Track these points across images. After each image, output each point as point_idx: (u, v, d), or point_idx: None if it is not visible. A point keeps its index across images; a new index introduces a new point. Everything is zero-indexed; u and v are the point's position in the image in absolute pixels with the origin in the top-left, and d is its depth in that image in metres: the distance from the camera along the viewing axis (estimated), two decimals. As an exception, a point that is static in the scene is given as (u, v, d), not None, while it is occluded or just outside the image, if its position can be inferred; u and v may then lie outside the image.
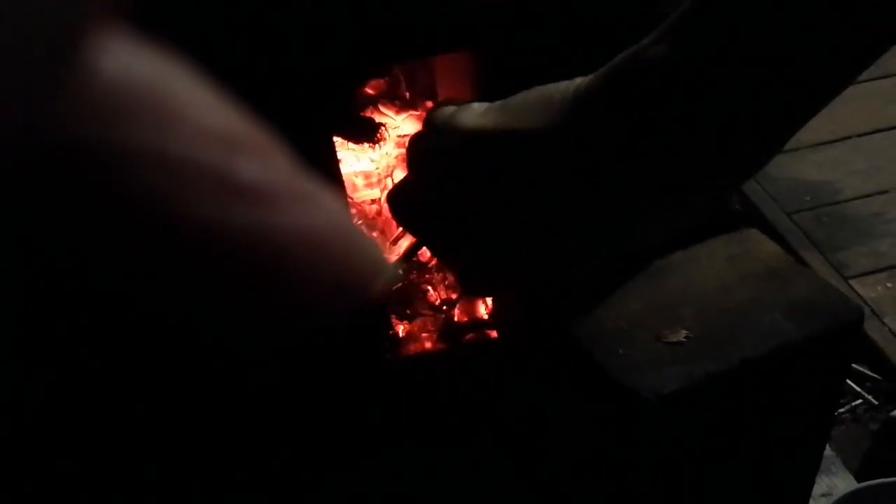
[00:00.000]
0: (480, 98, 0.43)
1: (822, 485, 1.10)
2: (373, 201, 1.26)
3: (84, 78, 0.12)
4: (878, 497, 0.92)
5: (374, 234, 1.23)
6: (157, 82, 0.13)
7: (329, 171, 0.87)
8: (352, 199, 1.26)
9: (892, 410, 1.23)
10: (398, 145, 1.30)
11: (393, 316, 1.14)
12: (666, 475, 0.69)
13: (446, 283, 1.17)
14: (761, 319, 0.65)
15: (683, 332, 0.65)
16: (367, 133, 1.31)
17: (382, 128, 1.32)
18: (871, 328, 1.39)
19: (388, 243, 1.08)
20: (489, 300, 1.09)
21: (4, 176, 0.12)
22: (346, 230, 0.16)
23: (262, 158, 0.14)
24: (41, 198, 0.13)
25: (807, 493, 0.82)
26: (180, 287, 0.14)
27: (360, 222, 1.21)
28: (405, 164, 0.52)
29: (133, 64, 0.13)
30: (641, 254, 0.72)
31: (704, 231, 0.76)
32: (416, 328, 1.15)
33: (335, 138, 1.31)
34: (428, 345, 1.12)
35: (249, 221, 0.14)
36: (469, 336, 1.14)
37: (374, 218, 1.24)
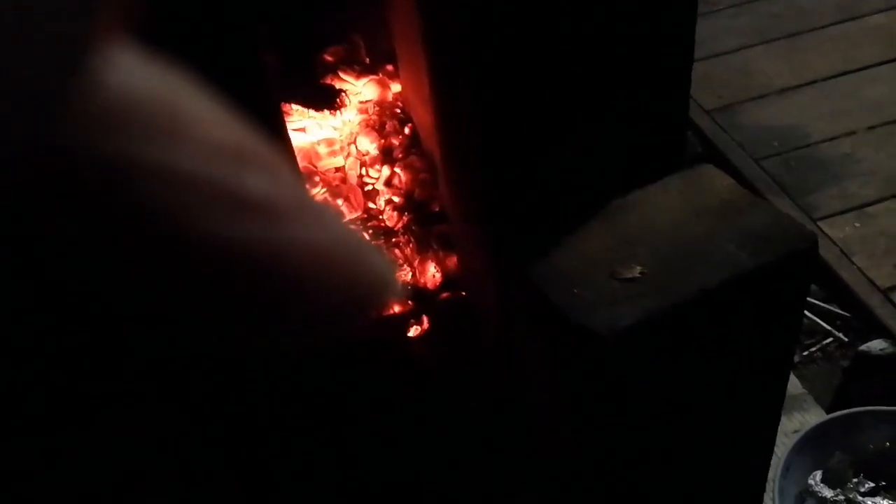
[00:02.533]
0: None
1: (794, 421, 1.11)
2: (337, 169, 1.24)
3: (90, 91, 0.12)
4: (846, 427, 0.93)
5: (339, 202, 1.22)
6: (163, 95, 0.13)
7: (276, 137, 0.86)
8: (315, 167, 1.24)
9: (862, 346, 1.24)
10: (360, 111, 1.29)
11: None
12: (631, 412, 0.69)
13: (411, 245, 1.17)
14: (716, 252, 0.65)
15: (638, 269, 0.65)
16: (328, 100, 1.29)
17: (343, 94, 1.31)
18: (840, 267, 1.40)
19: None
20: (455, 261, 1.09)
21: (11, 188, 0.12)
22: (352, 243, 0.16)
23: (268, 172, 0.14)
24: (47, 210, 0.13)
25: (773, 426, 0.83)
26: (187, 302, 0.14)
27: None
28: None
29: (138, 77, 0.13)
30: (594, 193, 0.72)
31: (661, 171, 0.75)
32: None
33: (294, 106, 1.29)
34: (398, 308, 1.12)
35: (255, 235, 0.14)
36: (442, 296, 1.14)
37: (337, 186, 1.22)
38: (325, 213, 0.15)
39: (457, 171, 0.87)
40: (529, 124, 0.68)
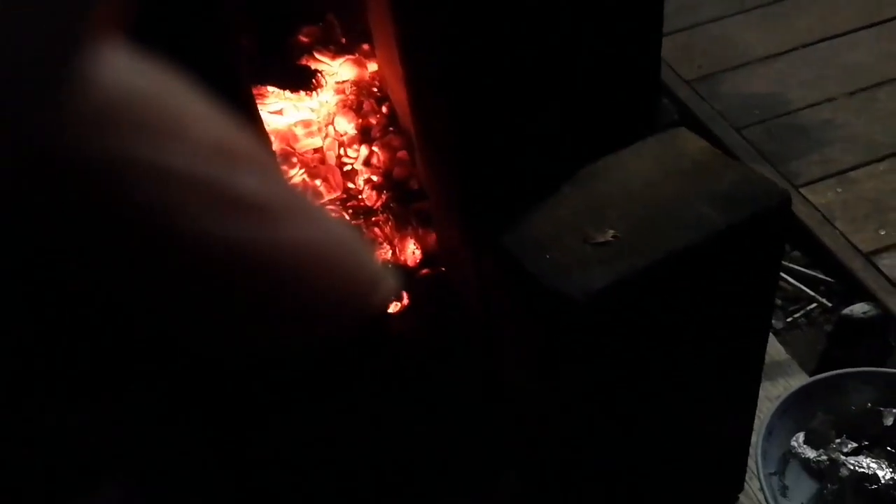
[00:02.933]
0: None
1: (778, 387, 1.11)
2: (315, 150, 1.23)
3: (83, 91, 0.12)
4: (828, 389, 0.93)
5: (318, 182, 1.21)
6: (156, 95, 0.13)
7: (249, 120, 0.85)
8: (293, 149, 1.24)
9: (844, 310, 1.24)
10: (337, 92, 1.28)
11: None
12: (609, 377, 0.68)
13: (390, 223, 1.16)
14: (688, 212, 0.64)
15: (611, 232, 0.64)
16: (304, 81, 1.28)
17: (319, 75, 1.29)
18: (822, 233, 1.40)
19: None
20: (434, 238, 1.09)
21: (5, 187, 0.12)
22: (345, 242, 0.16)
23: (261, 172, 0.14)
24: (42, 210, 0.13)
25: (755, 388, 0.83)
26: (180, 299, 0.14)
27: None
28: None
29: (132, 77, 0.13)
30: (566, 159, 0.71)
31: (634, 136, 0.75)
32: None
33: (270, 88, 1.28)
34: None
35: (248, 235, 0.14)
36: (421, 272, 1.14)
37: (316, 167, 1.22)
38: (318, 212, 0.15)
39: (428, 144, 0.86)
40: (498, 90, 0.67)
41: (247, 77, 1.04)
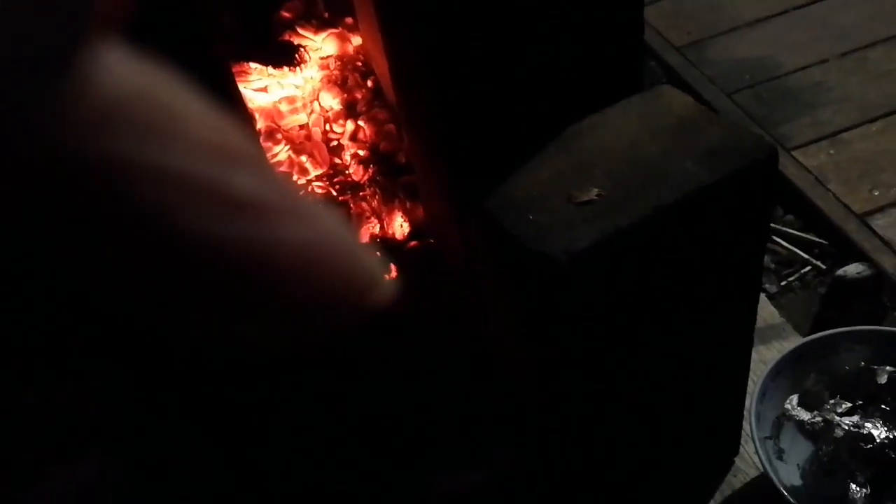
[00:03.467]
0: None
1: (773, 350, 1.10)
2: (301, 127, 1.22)
3: (82, 91, 0.12)
4: (821, 350, 0.92)
5: (304, 159, 1.20)
6: (155, 96, 0.13)
7: (227, 98, 0.83)
8: (278, 126, 1.22)
9: (838, 271, 1.23)
10: (321, 67, 1.26)
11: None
12: (595, 338, 0.67)
13: (378, 197, 1.15)
14: (673, 169, 0.63)
15: (595, 191, 0.63)
16: (287, 57, 1.27)
17: (302, 50, 1.28)
18: (815, 196, 1.39)
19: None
20: (421, 210, 1.08)
21: (4, 186, 0.12)
22: (342, 242, 0.16)
23: (259, 172, 0.14)
24: (41, 208, 0.13)
25: (747, 348, 0.82)
26: (179, 297, 0.14)
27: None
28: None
29: (131, 78, 0.13)
30: (549, 120, 0.69)
31: (618, 94, 0.73)
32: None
33: (253, 65, 1.26)
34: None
35: (247, 234, 0.14)
36: (409, 245, 1.13)
37: (302, 143, 1.20)
38: (314, 210, 0.15)
39: (410, 110, 0.85)
40: (476, 46, 0.66)
41: (225, 56, 1.03)
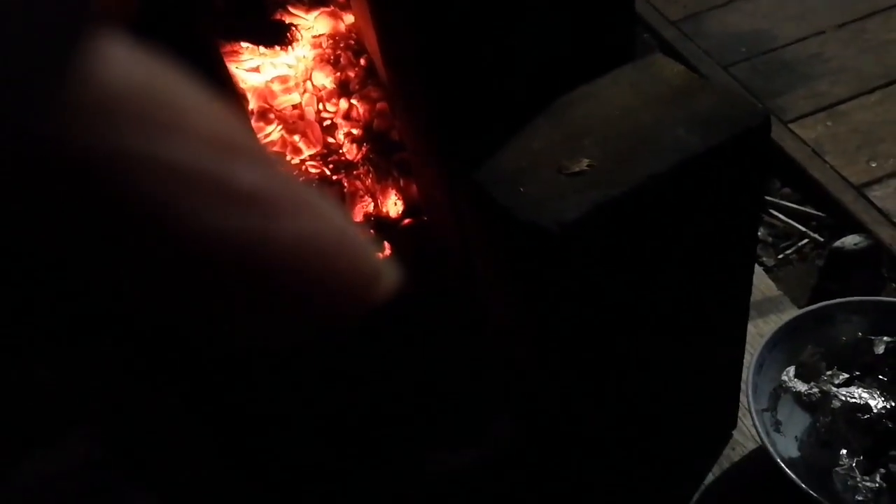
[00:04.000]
0: None
1: (770, 324, 1.09)
2: (294, 106, 1.21)
3: (85, 85, 0.12)
4: (817, 321, 0.91)
5: (297, 138, 1.19)
6: (158, 90, 0.13)
7: (218, 81, 0.82)
8: (271, 106, 1.21)
9: (835, 242, 1.22)
10: (314, 46, 1.25)
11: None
12: (589, 309, 0.67)
13: (371, 175, 1.15)
14: (665, 137, 0.62)
15: (586, 161, 0.62)
16: (278, 36, 1.25)
17: (294, 29, 1.26)
18: (812, 168, 1.38)
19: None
20: (415, 188, 1.07)
21: (7, 180, 0.12)
22: (345, 235, 0.16)
23: (261, 165, 0.14)
24: (44, 202, 0.13)
25: (743, 317, 0.81)
26: (183, 290, 0.14)
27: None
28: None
29: (133, 71, 0.13)
30: (540, 90, 0.68)
31: (610, 64, 0.72)
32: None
33: (244, 45, 1.25)
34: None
35: (250, 227, 0.14)
36: (403, 223, 1.12)
37: (295, 123, 1.19)
38: (318, 204, 0.15)
39: (401, 84, 0.84)
40: (466, 20, 0.65)
41: (213, 36, 1.02)
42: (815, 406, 0.87)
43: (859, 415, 0.83)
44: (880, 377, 0.85)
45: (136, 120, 0.13)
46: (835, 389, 0.86)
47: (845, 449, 0.81)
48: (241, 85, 1.18)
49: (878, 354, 0.86)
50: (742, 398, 0.94)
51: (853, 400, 0.84)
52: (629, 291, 0.67)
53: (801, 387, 0.87)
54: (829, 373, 0.88)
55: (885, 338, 0.86)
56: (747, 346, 0.89)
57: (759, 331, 1.08)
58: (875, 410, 0.83)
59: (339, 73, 1.21)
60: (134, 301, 0.14)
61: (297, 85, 1.23)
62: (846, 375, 0.87)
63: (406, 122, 0.97)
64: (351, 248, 0.16)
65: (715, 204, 0.65)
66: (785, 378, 0.88)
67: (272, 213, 0.14)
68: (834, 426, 0.84)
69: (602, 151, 0.62)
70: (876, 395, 0.84)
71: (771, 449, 0.81)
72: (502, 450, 0.93)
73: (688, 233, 0.66)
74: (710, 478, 0.95)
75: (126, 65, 0.13)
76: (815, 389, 0.86)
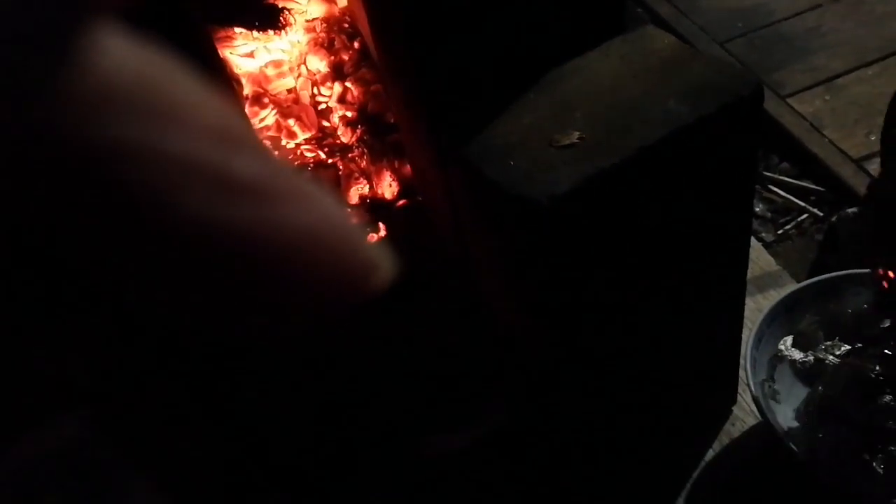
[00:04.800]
0: None
1: (770, 299, 1.09)
2: (288, 91, 1.21)
3: (79, 76, 0.12)
4: (817, 294, 0.91)
5: (292, 122, 1.19)
6: (152, 79, 0.13)
7: (210, 67, 0.82)
8: (265, 91, 1.21)
9: (834, 216, 1.22)
10: (308, 30, 1.24)
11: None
12: (584, 283, 0.66)
13: (366, 157, 1.14)
14: (655, 108, 0.61)
15: (576, 134, 0.61)
16: (272, 21, 1.25)
17: (287, 13, 1.26)
18: (811, 142, 1.37)
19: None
20: (409, 169, 1.06)
21: (3, 175, 0.12)
22: (342, 227, 0.16)
23: (257, 156, 0.14)
24: (40, 197, 0.13)
25: (740, 290, 0.81)
26: (180, 285, 0.14)
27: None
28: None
29: (128, 61, 0.13)
30: (530, 64, 0.68)
31: (601, 37, 0.72)
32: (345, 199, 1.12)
33: (238, 30, 1.24)
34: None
35: (245, 219, 0.14)
36: (398, 204, 1.12)
37: (289, 107, 1.19)
38: (315, 195, 0.15)
39: (391, 61, 0.83)
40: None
41: (205, 21, 1.01)
42: (813, 378, 0.86)
43: (856, 384, 0.83)
44: (886, 352, 0.85)
45: (129, 109, 0.13)
46: (832, 357, 0.85)
47: (843, 421, 0.81)
48: (236, 70, 1.17)
49: (883, 328, 0.85)
50: (741, 373, 0.94)
51: (851, 369, 0.83)
52: (622, 265, 0.67)
53: (797, 355, 0.86)
54: (828, 343, 0.87)
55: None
56: (746, 322, 0.89)
57: (759, 306, 1.07)
58: (873, 377, 0.82)
59: (333, 57, 1.21)
60: (126, 289, 0.14)
61: (291, 69, 1.22)
62: (848, 347, 0.86)
63: (397, 101, 0.96)
64: (347, 238, 0.15)
65: (707, 175, 0.64)
66: (782, 347, 0.87)
67: (266, 202, 0.14)
68: (832, 395, 0.84)
69: (592, 124, 0.62)
70: (877, 368, 0.83)
71: (769, 415, 0.80)
72: (498, 430, 0.93)
73: (680, 204, 0.65)
74: (710, 454, 0.95)
75: (118, 54, 0.13)
76: (811, 357, 0.86)
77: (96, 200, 0.13)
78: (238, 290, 0.14)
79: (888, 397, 0.82)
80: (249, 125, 0.14)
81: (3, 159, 0.12)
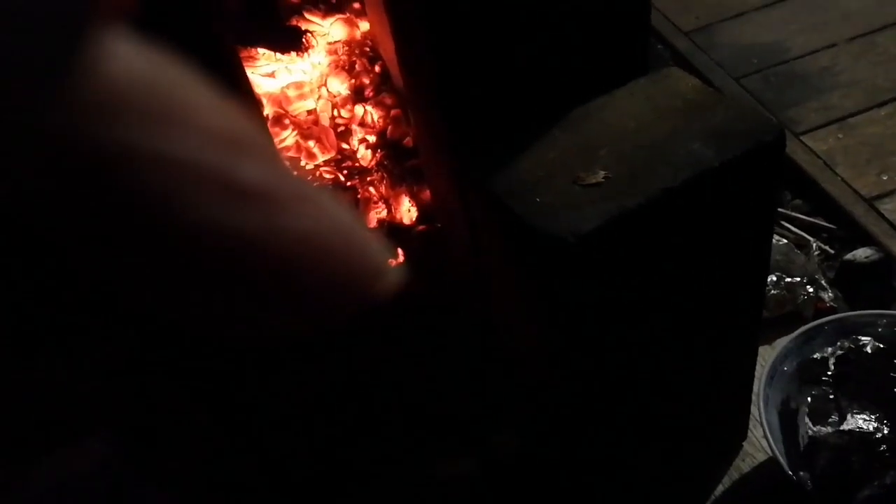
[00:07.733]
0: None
1: (783, 335, 1.10)
2: (308, 112, 1.22)
3: (90, 80, 0.12)
4: (831, 332, 0.91)
5: (312, 143, 1.20)
6: (163, 85, 0.13)
7: (234, 83, 0.83)
8: (286, 111, 1.22)
9: (847, 255, 1.23)
10: (329, 52, 1.26)
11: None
12: (604, 320, 0.67)
13: (385, 182, 1.15)
14: (680, 150, 0.63)
15: (601, 173, 0.63)
16: (294, 42, 1.26)
17: (309, 35, 1.27)
18: (824, 180, 1.38)
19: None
20: (428, 195, 1.07)
21: (15, 176, 0.12)
22: (348, 230, 0.16)
23: (265, 161, 0.14)
24: (50, 198, 0.13)
25: (755, 330, 0.82)
26: (188, 286, 0.14)
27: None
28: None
29: (138, 67, 0.13)
30: (556, 102, 0.69)
31: (625, 77, 0.73)
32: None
33: (260, 51, 1.26)
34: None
35: (253, 222, 0.14)
36: (417, 229, 1.13)
37: (309, 128, 1.20)
38: (321, 200, 0.15)
39: (416, 91, 0.85)
40: (483, 31, 0.65)
41: (231, 41, 1.02)
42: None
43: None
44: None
45: (140, 115, 0.13)
46: (844, 402, 0.86)
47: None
48: (257, 90, 1.19)
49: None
50: (753, 409, 0.94)
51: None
52: (642, 302, 0.68)
53: (812, 428, 0.86)
54: (834, 417, 0.87)
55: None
56: (759, 359, 0.90)
57: (771, 343, 1.08)
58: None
59: (353, 80, 1.22)
60: (140, 297, 0.14)
61: (312, 91, 1.23)
62: (861, 418, 0.86)
63: (421, 130, 0.98)
64: (352, 244, 0.16)
65: (729, 217, 0.65)
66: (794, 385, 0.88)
67: (274, 209, 0.14)
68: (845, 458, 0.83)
69: (618, 163, 0.63)
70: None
71: (780, 458, 0.81)
72: (502, 460, 0.94)
73: (701, 245, 0.66)
74: (719, 489, 0.96)
75: (130, 61, 0.13)
76: (824, 390, 0.86)
77: (107, 204, 0.13)
78: (244, 293, 0.15)
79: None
80: (263, 133, 0.15)
81: (20, 164, 0.12)
